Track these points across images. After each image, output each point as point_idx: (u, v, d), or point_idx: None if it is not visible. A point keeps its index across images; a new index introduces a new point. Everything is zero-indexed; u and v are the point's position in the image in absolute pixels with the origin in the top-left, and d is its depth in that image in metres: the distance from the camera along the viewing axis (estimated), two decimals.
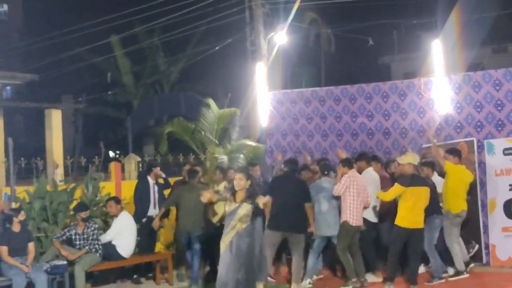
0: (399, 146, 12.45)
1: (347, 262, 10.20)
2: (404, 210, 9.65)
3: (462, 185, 10.53)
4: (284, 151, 13.54)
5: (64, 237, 10.40)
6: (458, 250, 10.48)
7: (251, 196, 8.31)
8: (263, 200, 8.30)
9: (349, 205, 10.14)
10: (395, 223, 9.74)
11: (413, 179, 9.75)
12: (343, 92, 13.13)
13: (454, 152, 10.75)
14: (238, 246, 8.19)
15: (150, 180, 11.81)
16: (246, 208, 8.25)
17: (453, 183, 10.46)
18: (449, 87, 12.03)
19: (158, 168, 12.10)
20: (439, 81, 12.13)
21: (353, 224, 10.15)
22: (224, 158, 13.73)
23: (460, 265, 10.39)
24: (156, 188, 11.81)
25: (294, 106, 13.57)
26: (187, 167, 12.35)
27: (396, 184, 9.87)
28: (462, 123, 11.92)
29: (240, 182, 8.32)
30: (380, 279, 10.43)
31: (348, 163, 10.44)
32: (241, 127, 15.31)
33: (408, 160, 9.89)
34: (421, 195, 9.67)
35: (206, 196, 8.39)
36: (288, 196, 10.13)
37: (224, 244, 8.37)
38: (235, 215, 8.28)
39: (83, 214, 10.45)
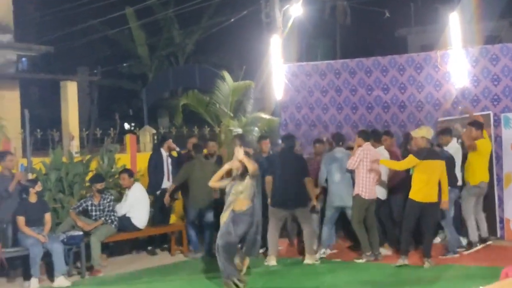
0: (414, 119, 12.38)
1: (362, 235, 10.23)
2: (418, 184, 9.63)
3: (485, 158, 10.55)
4: (299, 124, 13.52)
5: (80, 208, 10.50)
6: (474, 221, 10.46)
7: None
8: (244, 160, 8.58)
9: (362, 178, 10.14)
10: (409, 197, 9.72)
11: (428, 153, 9.71)
12: (358, 65, 13.05)
13: (476, 124, 10.63)
14: (236, 224, 8.51)
15: (163, 152, 11.87)
16: (241, 184, 8.57)
17: (475, 157, 10.44)
18: (466, 60, 11.92)
19: (171, 141, 12.15)
20: (456, 54, 12.02)
21: (366, 197, 10.16)
22: (239, 131, 13.74)
23: (474, 237, 10.39)
24: (169, 160, 11.87)
25: (309, 79, 13.51)
26: (193, 140, 12.35)
27: (410, 155, 9.83)
28: (479, 97, 11.82)
29: (239, 152, 8.70)
30: (389, 252, 10.48)
31: (364, 135, 10.44)
32: (255, 100, 15.30)
33: (422, 133, 9.84)
34: (436, 168, 9.63)
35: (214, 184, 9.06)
36: (288, 172, 10.21)
37: (222, 221, 8.65)
38: (232, 191, 8.61)
39: (99, 186, 10.54)
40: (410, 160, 9.74)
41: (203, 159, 11.28)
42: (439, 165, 9.68)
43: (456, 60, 11.98)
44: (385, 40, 27.57)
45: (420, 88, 12.40)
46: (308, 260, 10.13)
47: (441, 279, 8.91)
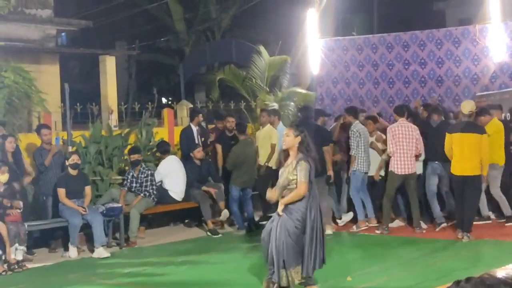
0: (452, 94, 12.30)
1: (385, 207, 10.41)
2: (454, 157, 9.67)
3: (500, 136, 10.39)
4: (335, 99, 13.53)
5: (128, 184, 10.68)
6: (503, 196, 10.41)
7: (304, 155, 6.79)
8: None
9: (394, 154, 10.21)
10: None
11: (462, 126, 9.67)
12: (396, 39, 12.97)
13: (484, 112, 10.40)
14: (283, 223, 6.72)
15: (193, 127, 12.00)
16: (290, 171, 6.74)
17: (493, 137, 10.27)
18: (505, 34, 11.78)
19: (201, 115, 12.25)
20: (495, 28, 11.88)
21: (398, 173, 10.20)
22: (275, 106, 13.79)
23: (507, 211, 10.33)
24: (200, 134, 12.03)
25: (346, 54, 13.48)
26: (230, 119, 12.13)
27: (446, 133, 9.81)
28: None
29: (287, 138, 6.88)
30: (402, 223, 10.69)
31: (398, 111, 10.45)
32: (291, 75, 15.29)
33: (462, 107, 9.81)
34: (469, 141, 9.52)
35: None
36: None
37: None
38: (279, 180, 6.86)
39: (132, 157, 10.73)
40: (446, 138, 9.70)
41: (247, 139, 11.47)
42: (473, 138, 9.55)
43: (494, 34, 11.85)
44: (423, 13, 27.18)
45: (457, 62, 12.30)
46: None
47: (478, 253, 8.91)
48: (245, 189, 11.35)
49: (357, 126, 10.77)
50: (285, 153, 6.93)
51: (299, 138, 6.83)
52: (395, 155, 10.18)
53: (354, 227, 10.71)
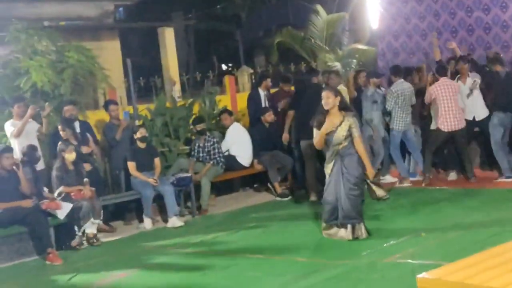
0: None
1: (427, 160, 10.59)
2: None
3: None
4: (397, 53, 13.27)
5: (195, 154, 10.78)
6: None
7: (348, 112, 7.67)
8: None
9: (439, 113, 10.34)
10: None
11: None
12: None
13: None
14: (346, 165, 7.61)
15: (261, 91, 11.98)
16: (344, 129, 7.57)
17: None
18: None
19: (269, 80, 12.20)
20: None
21: (445, 130, 10.31)
22: (336, 65, 13.65)
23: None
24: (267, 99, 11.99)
25: (405, 6, 13.15)
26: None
27: None
28: None
29: (328, 100, 7.56)
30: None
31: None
32: (350, 31, 15.09)
33: None
34: None
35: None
36: (307, 106, 9.66)
37: (328, 169, 7.75)
38: (334, 138, 7.60)
39: (198, 127, 10.81)
40: None
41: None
42: None
43: None
44: None
45: None
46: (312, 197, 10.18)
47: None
48: None
49: (397, 86, 10.67)
50: (324, 115, 7.59)
51: (339, 98, 7.58)
52: (441, 113, 10.28)
53: (397, 183, 10.77)
